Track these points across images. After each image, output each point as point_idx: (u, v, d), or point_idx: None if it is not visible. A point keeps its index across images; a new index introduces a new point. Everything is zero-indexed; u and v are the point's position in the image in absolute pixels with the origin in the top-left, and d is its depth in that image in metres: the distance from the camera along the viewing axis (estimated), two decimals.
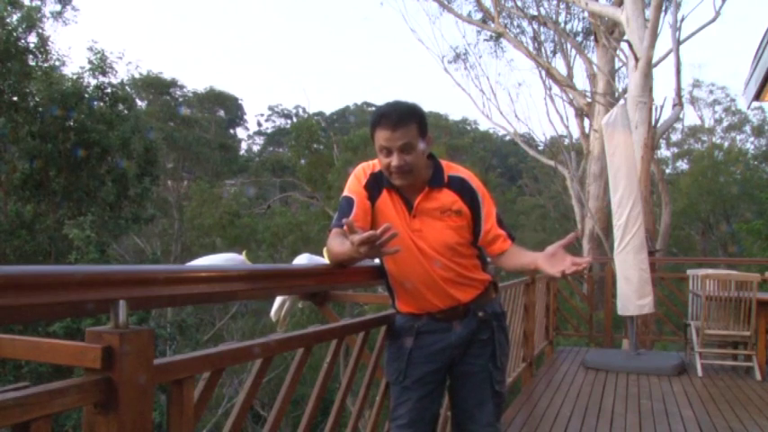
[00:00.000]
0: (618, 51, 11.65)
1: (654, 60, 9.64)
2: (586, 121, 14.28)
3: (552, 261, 1.85)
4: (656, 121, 9.25)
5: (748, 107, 25.23)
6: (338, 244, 1.82)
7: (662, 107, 9.37)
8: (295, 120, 37.94)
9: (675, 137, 29.03)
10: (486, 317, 2.02)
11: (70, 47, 28.54)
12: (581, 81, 18.95)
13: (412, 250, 1.95)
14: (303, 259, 3.50)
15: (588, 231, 13.26)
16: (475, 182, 2.03)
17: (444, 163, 2.04)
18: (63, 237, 10.49)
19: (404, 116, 1.89)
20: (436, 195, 1.98)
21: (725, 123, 30.08)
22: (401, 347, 2.05)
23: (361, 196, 1.97)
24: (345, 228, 1.69)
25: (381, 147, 1.90)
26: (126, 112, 12.89)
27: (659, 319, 7.92)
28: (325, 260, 3.22)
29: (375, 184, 1.98)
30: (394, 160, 1.89)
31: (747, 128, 29.52)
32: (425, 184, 1.98)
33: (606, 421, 4.18)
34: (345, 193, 2.00)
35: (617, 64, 13.54)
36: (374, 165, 2.03)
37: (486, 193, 2.04)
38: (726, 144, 28.43)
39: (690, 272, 6.53)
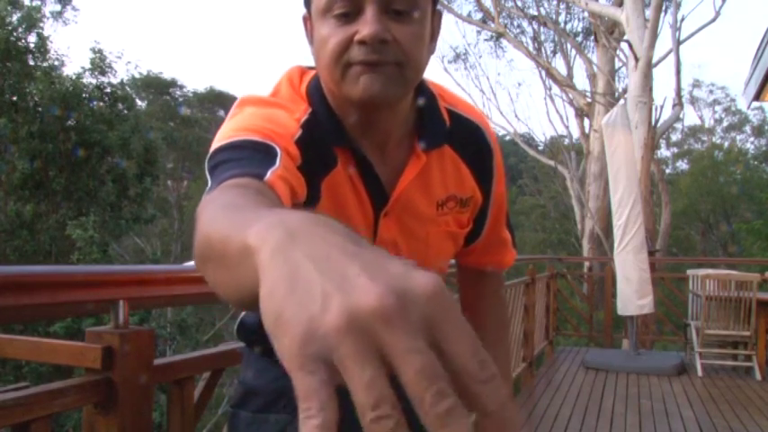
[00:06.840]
0: (618, 51, 11.65)
1: (654, 60, 9.66)
2: (586, 121, 14.30)
3: None
4: (656, 121, 9.26)
5: (748, 107, 25.23)
6: (231, 218, 0.49)
7: (662, 107, 9.40)
8: None
9: (675, 137, 29.07)
10: None
11: (69, 47, 28.58)
12: (581, 81, 19.04)
13: None
14: None
15: (588, 231, 13.27)
16: (490, 132, 0.98)
17: (435, 87, 0.93)
18: (64, 237, 10.50)
19: None
20: (432, 167, 0.91)
21: (725, 123, 30.13)
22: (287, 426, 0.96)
23: (288, 153, 0.76)
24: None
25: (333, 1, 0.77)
26: (126, 111, 12.89)
27: (659, 319, 7.91)
28: None
29: (315, 142, 0.82)
30: (367, 26, 0.75)
31: (747, 128, 29.55)
32: (412, 142, 0.89)
33: (606, 421, 4.18)
34: (250, 135, 0.78)
35: (617, 64, 13.55)
36: (302, 106, 0.86)
37: (501, 161, 1.01)
38: (726, 144, 28.46)
39: (690, 272, 6.53)
